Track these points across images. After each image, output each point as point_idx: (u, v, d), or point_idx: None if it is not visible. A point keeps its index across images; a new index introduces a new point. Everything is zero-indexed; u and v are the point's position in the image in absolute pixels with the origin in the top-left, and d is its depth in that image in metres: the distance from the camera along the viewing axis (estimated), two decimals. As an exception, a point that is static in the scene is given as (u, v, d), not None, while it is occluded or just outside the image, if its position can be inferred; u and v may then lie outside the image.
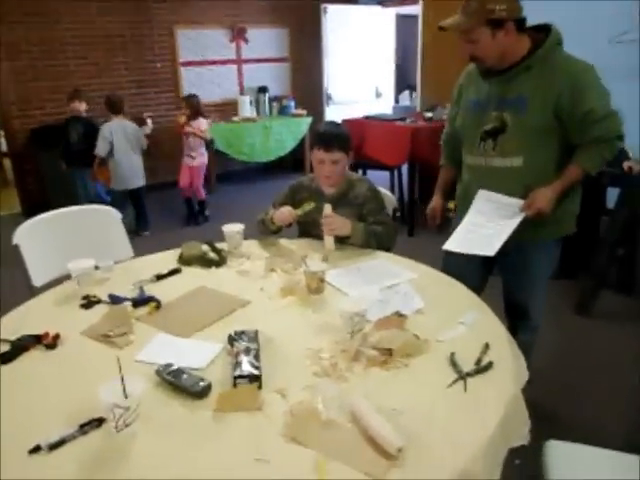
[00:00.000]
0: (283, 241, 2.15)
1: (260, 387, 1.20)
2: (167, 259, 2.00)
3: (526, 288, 1.99)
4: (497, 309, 1.64)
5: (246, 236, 2.12)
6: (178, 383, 1.21)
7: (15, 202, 5.70)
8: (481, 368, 1.24)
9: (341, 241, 2.00)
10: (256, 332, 1.39)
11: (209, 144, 5.45)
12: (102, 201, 4.49)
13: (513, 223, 1.72)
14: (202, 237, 2.12)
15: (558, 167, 1.76)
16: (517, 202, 1.75)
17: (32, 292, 2.02)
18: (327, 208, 1.96)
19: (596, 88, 1.70)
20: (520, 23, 1.71)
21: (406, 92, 6.42)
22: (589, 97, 1.67)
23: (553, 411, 2.29)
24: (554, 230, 1.87)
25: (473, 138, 1.86)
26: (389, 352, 1.30)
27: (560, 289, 3.36)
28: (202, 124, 4.92)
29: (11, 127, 5.53)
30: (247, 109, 6.50)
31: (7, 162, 6.34)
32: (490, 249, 1.70)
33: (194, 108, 4.89)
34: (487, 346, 1.33)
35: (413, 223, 4.58)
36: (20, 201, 5.65)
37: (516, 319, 2.03)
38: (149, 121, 5.45)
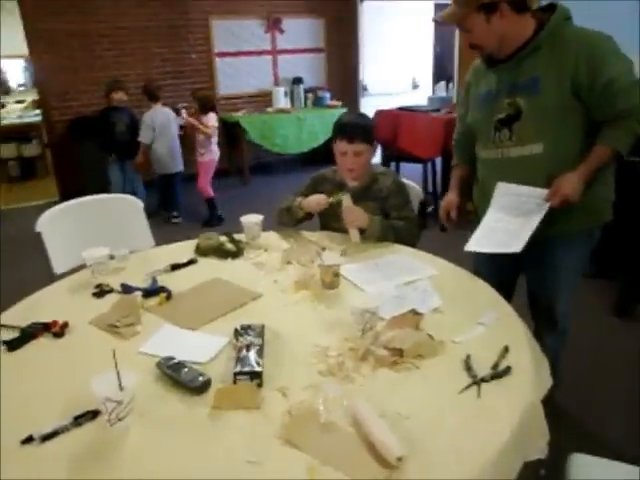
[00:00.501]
0: (303, 233, 2.10)
1: (260, 385, 1.16)
2: (184, 249, 1.98)
3: (553, 287, 1.85)
4: (523, 309, 1.55)
5: (266, 227, 2.08)
6: (177, 377, 1.18)
7: (54, 191, 5.84)
8: (498, 373, 1.16)
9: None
10: (262, 327, 1.34)
11: (244, 137, 5.40)
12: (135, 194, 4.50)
13: (538, 215, 1.60)
14: (226, 228, 2.10)
15: (583, 151, 1.62)
16: (541, 192, 1.62)
17: (52, 280, 2.03)
18: (346, 200, 1.92)
19: (615, 56, 1.56)
20: (519, 4, 1.58)
21: (442, 83, 6.25)
22: (608, 66, 1.53)
23: (583, 420, 2.16)
24: (584, 219, 1.71)
25: (487, 131, 1.75)
26: (400, 352, 1.23)
27: (597, 288, 3.20)
28: (210, 119, 4.67)
29: (51, 118, 5.66)
30: (281, 100, 6.47)
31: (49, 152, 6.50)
32: (516, 246, 1.59)
33: (202, 102, 4.71)
34: (506, 349, 1.25)
35: (446, 218, 4.43)
36: (58, 190, 5.79)
37: (542, 321, 1.91)
38: (184, 112, 5.45)
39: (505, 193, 1.70)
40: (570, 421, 2.11)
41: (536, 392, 1.15)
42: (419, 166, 4.73)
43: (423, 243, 2.18)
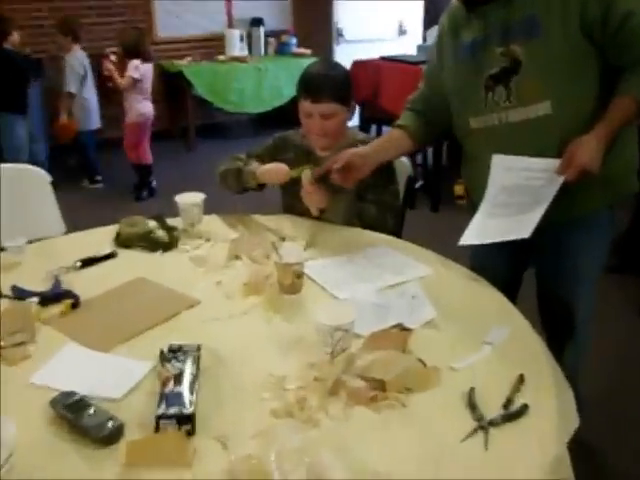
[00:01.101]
0: (257, 217, 2.01)
1: (192, 432, 1.05)
2: (101, 238, 1.88)
3: (571, 282, 1.79)
4: (531, 314, 1.49)
5: (209, 208, 1.99)
6: (78, 422, 1.06)
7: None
8: (511, 414, 1.07)
9: (319, 218, 1.92)
10: (198, 348, 1.24)
11: (189, 92, 5.22)
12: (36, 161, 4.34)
13: (550, 192, 1.53)
14: (162, 207, 2.02)
15: (600, 108, 1.55)
16: (550, 163, 1.54)
17: None
18: (305, 177, 1.83)
19: None
20: None
21: (435, 28, 6.14)
22: None
23: (606, 452, 2.12)
24: (606, 193, 1.64)
25: (475, 92, 1.66)
26: (381, 385, 1.14)
27: (622, 284, 3.19)
28: (130, 67, 4.58)
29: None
30: (236, 46, 6.35)
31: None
32: (523, 230, 1.51)
33: (126, 46, 4.66)
34: (521, 379, 1.16)
35: (439, 196, 4.38)
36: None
37: (557, 329, 1.85)
38: (113, 58, 5.28)
39: (504, 168, 1.63)
40: (588, 453, 2.05)
41: (561, 437, 1.06)
42: (406, 131, 4.65)
43: (410, 228, 2.15)
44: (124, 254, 1.79)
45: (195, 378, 1.14)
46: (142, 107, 4.73)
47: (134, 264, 1.72)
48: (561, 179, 1.51)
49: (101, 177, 5.19)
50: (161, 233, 1.85)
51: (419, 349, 1.26)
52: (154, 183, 4.94)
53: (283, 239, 1.79)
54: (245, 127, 6.70)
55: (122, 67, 4.72)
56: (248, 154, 2.08)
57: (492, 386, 1.15)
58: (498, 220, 1.60)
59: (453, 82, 1.75)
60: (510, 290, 1.70)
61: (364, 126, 4.83)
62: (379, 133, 5.00)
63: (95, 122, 5.03)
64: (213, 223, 1.98)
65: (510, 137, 1.63)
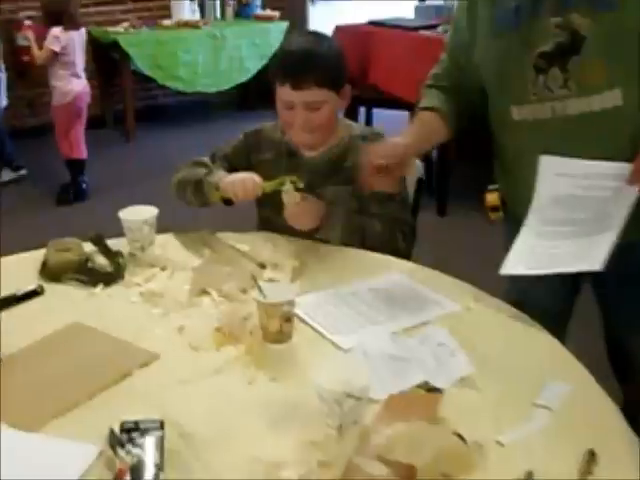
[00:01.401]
0: (226, 236, 1.99)
1: None
2: (21, 268, 1.84)
3: None
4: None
5: (163, 225, 1.96)
6: None
7: None
8: None
9: (309, 235, 1.91)
10: (161, 425, 1.18)
11: (126, 67, 5.24)
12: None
13: (621, 207, 1.53)
14: (97, 224, 1.98)
15: None
16: (619, 168, 1.53)
17: None
18: (288, 194, 1.82)
19: None
20: None
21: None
22: None
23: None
24: None
25: (520, 74, 1.64)
26: (409, 470, 1.08)
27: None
28: (48, 38, 4.60)
29: None
30: (185, 8, 6.42)
31: None
32: (591, 258, 1.51)
33: (48, 10, 4.68)
34: (592, 456, 1.12)
35: (446, 196, 4.39)
36: None
37: (634, 385, 1.84)
38: (29, 23, 5.37)
39: (557, 174, 1.63)
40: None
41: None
42: (403, 114, 4.65)
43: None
44: (53, 290, 1.75)
45: (159, 470, 1.09)
46: (68, 85, 4.72)
47: (67, 304, 1.69)
48: (635, 190, 1.51)
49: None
50: (101, 260, 1.82)
51: (454, 418, 1.22)
52: (85, 185, 4.92)
53: (263, 266, 1.77)
54: (200, 111, 6.72)
55: (44, 36, 4.72)
56: (213, 156, 2.06)
57: (554, 466, 1.11)
58: (553, 243, 1.60)
59: (489, 59, 1.73)
60: (559, 324, 1.72)
61: (350, 110, 4.82)
62: (369, 118, 5.00)
63: (4, 99, 5.17)
64: (169, 245, 1.96)
65: (566, 134, 1.62)
